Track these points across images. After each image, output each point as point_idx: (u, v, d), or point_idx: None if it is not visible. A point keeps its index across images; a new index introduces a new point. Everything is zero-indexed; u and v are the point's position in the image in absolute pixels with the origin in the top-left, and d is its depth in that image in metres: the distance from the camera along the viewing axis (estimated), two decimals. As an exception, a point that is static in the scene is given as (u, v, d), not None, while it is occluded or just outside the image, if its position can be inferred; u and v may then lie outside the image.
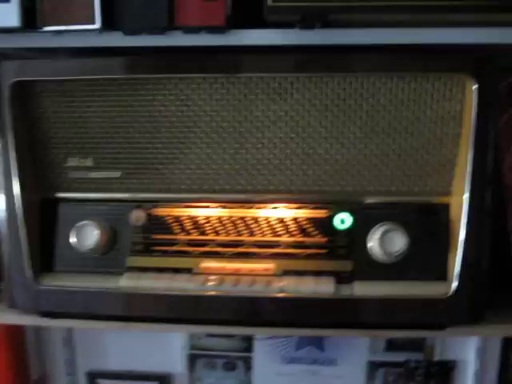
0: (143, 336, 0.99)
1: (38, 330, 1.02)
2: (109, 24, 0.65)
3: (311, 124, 0.69)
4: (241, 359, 0.98)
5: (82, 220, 0.71)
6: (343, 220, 0.71)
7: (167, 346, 1.00)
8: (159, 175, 0.72)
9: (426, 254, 0.68)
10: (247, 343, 0.97)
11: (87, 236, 0.71)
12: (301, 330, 0.72)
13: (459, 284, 0.66)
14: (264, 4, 0.60)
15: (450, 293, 0.66)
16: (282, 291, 0.68)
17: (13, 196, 0.71)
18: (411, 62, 0.65)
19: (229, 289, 0.69)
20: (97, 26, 0.64)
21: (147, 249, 0.73)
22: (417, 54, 0.65)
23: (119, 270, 0.72)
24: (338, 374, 0.95)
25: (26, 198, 0.71)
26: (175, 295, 0.69)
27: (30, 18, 0.65)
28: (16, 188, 0.71)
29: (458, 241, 0.67)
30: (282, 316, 0.69)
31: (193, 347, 0.99)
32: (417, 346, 0.93)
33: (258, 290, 0.68)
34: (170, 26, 0.65)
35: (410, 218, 0.69)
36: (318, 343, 0.96)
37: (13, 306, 0.73)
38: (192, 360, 1.00)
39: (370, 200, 0.70)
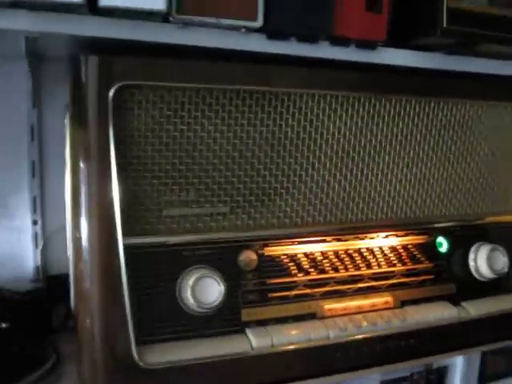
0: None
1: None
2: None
3: (425, 150, 0.67)
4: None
5: (180, 270, 0.56)
6: (441, 243, 0.71)
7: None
8: (274, 208, 0.61)
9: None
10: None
11: (207, 291, 0.55)
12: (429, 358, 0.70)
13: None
14: (438, 26, 0.57)
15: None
16: (417, 323, 0.65)
17: (114, 240, 0.51)
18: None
19: (370, 329, 0.62)
20: (258, 23, 0.51)
21: (264, 297, 0.60)
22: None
23: (235, 328, 0.58)
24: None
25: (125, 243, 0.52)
26: (316, 347, 0.59)
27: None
28: (118, 229, 0.51)
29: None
30: (418, 348, 0.65)
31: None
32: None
33: (397, 326, 0.64)
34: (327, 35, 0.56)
35: (496, 236, 0.73)
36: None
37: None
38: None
39: (463, 223, 0.72)
